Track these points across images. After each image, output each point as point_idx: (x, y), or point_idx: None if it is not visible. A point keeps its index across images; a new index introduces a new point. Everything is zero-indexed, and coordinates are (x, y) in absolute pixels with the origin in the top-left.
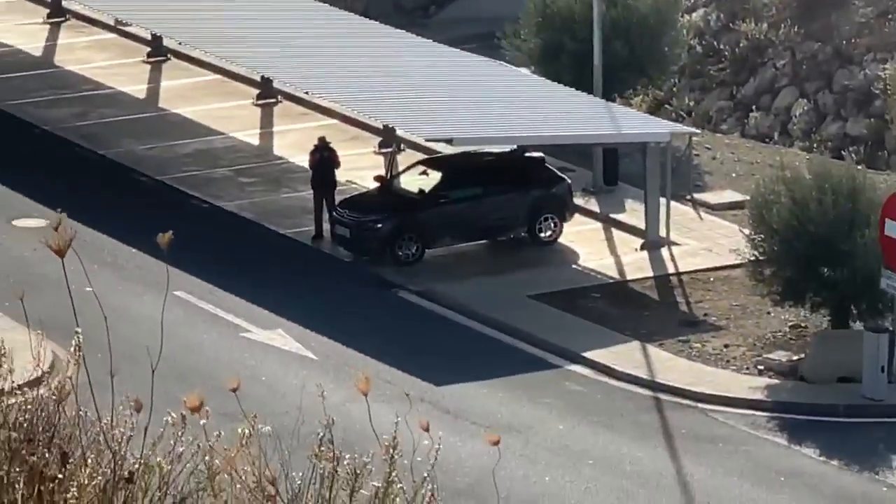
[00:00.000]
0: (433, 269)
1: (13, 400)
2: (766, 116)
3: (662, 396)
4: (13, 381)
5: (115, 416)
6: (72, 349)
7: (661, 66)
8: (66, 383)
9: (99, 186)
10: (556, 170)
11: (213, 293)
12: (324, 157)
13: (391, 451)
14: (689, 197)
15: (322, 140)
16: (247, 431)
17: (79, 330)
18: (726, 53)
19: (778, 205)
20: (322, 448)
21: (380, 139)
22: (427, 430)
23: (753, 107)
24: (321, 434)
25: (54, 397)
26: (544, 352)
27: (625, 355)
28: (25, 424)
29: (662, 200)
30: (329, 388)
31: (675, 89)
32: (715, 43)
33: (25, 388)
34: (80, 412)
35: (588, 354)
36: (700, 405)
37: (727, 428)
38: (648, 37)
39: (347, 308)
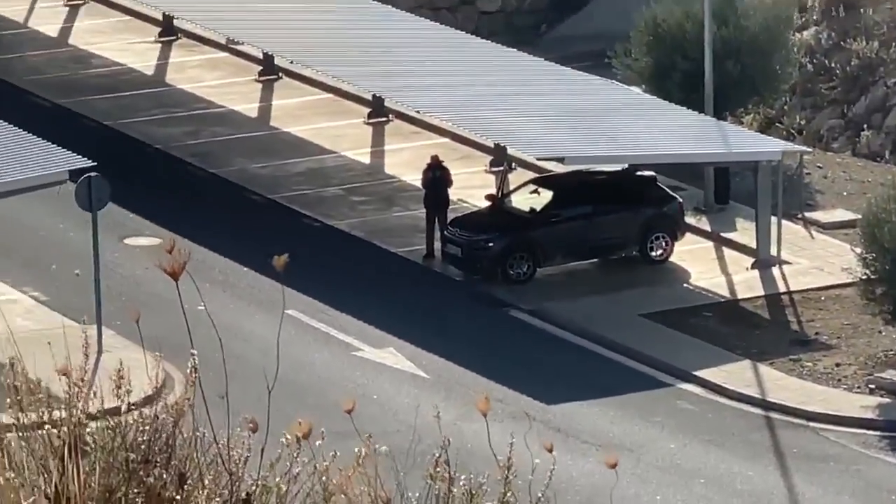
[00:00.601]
0: (544, 287)
1: (130, 419)
2: (878, 135)
3: (774, 415)
4: (129, 402)
5: (231, 437)
6: (188, 370)
7: (772, 85)
8: (183, 403)
9: (210, 205)
10: (667, 188)
11: (325, 312)
12: (437, 176)
13: (506, 471)
14: (800, 215)
15: (435, 158)
16: (362, 451)
17: (194, 351)
18: (837, 72)
19: (889, 223)
20: (437, 468)
21: (491, 158)
22: (551, 451)
23: (865, 125)
24: (437, 454)
25: (171, 418)
26: (655, 370)
27: (736, 374)
28: (143, 445)
29: (774, 219)
30: (441, 407)
31: (786, 108)
32: (826, 61)
33: (140, 407)
34: (197, 433)
35: (699, 373)
36: (811, 424)
37: (838, 447)
38: (759, 55)
39: (459, 327)
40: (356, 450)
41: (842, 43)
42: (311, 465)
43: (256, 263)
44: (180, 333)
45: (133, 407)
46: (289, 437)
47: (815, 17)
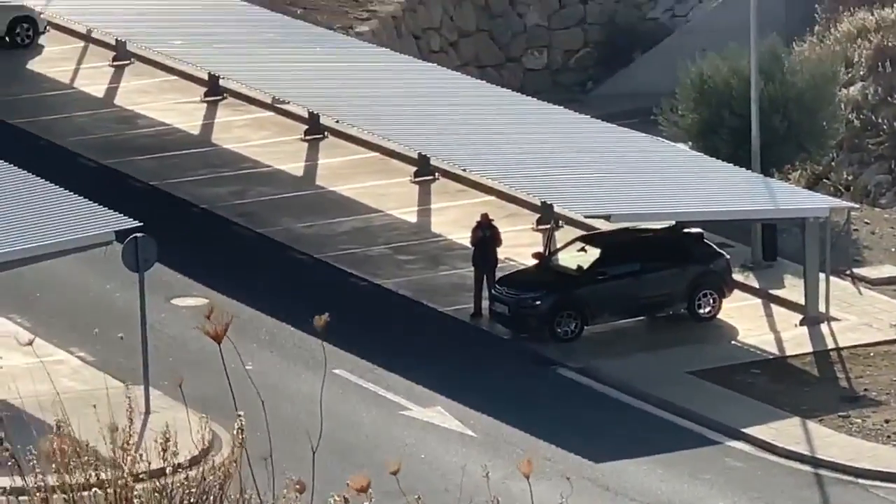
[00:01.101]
0: (592, 345)
1: (177, 478)
2: None
3: (823, 472)
4: (175, 462)
5: (278, 499)
6: (234, 431)
7: (819, 141)
8: (230, 465)
9: (257, 264)
10: (714, 245)
11: (373, 371)
12: (486, 235)
13: None
14: (848, 272)
15: (485, 217)
16: None
17: (241, 413)
18: (884, 127)
19: None
20: None
21: (538, 216)
22: None
23: None
24: None
25: (219, 481)
26: (704, 427)
27: (785, 431)
28: None
29: (822, 275)
30: (489, 466)
31: (833, 163)
32: (873, 116)
33: (188, 468)
34: (244, 495)
35: (748, 430)
36: (861, 481)
37: None
38: (806, 111)
39: (506, 385)
40: None
41: (889, 98)
42: None
43: (303, 323)
44: (227, 394)
45: (180, 468)
46: (337, 497)
47: (861, 73)
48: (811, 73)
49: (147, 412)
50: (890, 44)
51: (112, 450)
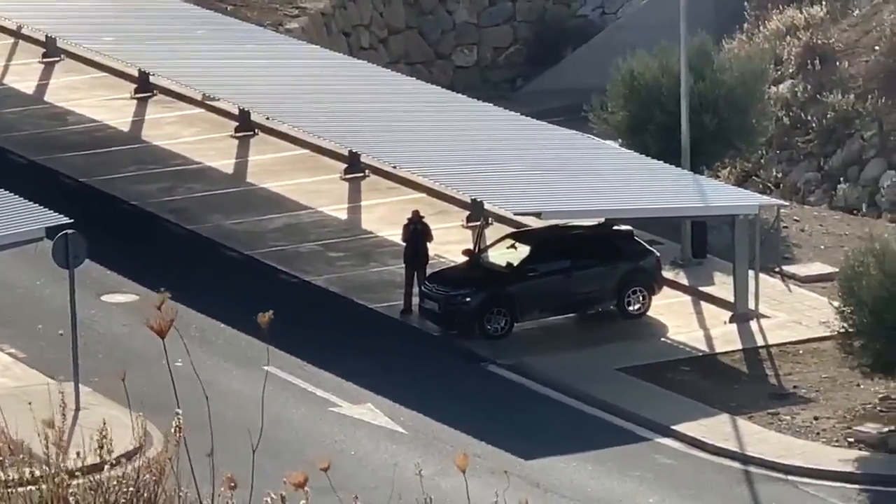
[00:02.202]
0: (522, 342)
1: (112, 477)
2: (854, 188)
3: (753, 469)
4: (111, 458)
5: (215, 496)
6: (172, 428)
7: (748, 138)
8: (164, 462)
9: (187, 261)
10: (644, 243)
11: (303, 368)
12: (417, 231)
13: None
14: (777, 269)
15: (416, 214)
16: None
17: (179, 411)
18: (813, 125)
19: (867, 276)
20: None
21: (468, 213)
22: None
23: (841, 178)
24: None
25: (153, 477)
26: (634, 424)
27: (714, 428)
28: None
29: (751, 273)
30: (419, 462)
31: (762, 161)
32: (802, 114)
33: (121, 465)
34: (180, 492)
35: (677, 427)
36: (791, 478)
37: (818, 500)
38: (736, 109)
39: (436, 382)
40: None
41: (818, 96)
42: None
43: (233, 320)
44: (158, 390)
45: (116, 465)
46: (273, 494)
47: (790, 71)
48: (741, 70)
49: (77, 408)
50: (819, 41)
51: (46, 446)
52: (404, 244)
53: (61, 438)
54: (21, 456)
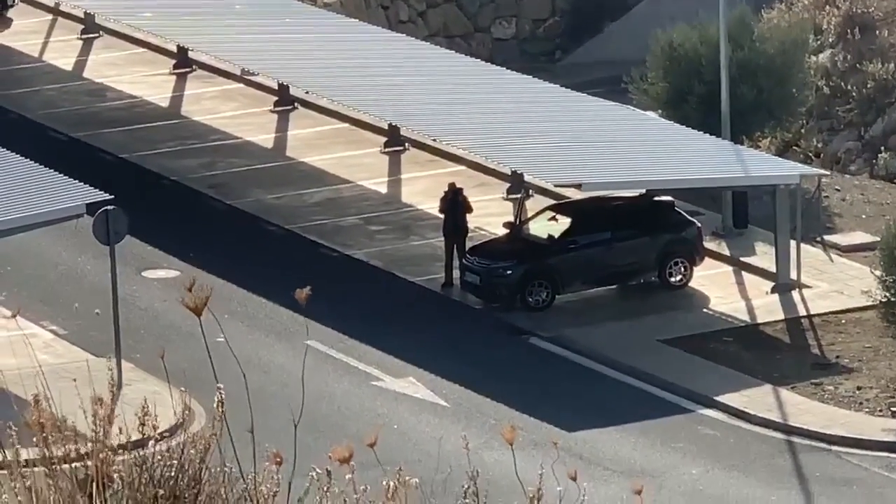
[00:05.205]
0: (563, 314)
1: (156, 454)
2: (895, 156)
3: (796, 440)
4: (155, 433)
5: (259, 472)
6: (215, 404)
7: (788, 108)
8: (209, 438)
9: (228, 236)
10: (685, 213)
11: (344, 342)
12: (456, 202)
13: (536, 501)
14: (819, 239)
15: (453, 186)
16: (391, 484)
17: (221, 385)
18: (854, 94)
19: None
20: (467, 501)
21: (508, 185)
22: (575, 479)
23: (882, 147)
24: (465, 486)
25: (199, 454)
26: (676, 396)
27: (757, 399)
28: (171, 481)
29: (793, 243)
30: (462, 435)
31: (803, 131)
32: (842, 84)
33: (165, 440)
34: (225, 468)
35: (720, 398)
36: (834, 448)
37: (861, 470)
38: (776, 79)
39: (478, 355)
40: (384, 482)
41: (857, 65)
42: (340, 499)
43: (274, 294)
44: (199, 366)
45: (160, 440)
46: (318, 469)
47: (830, 40)
48: (780, 40)
49: (119, 385)
50: (859, 10)
51: (93, 422)
52: (443, 216)
53: (110, 415)
54: (66, 433)
